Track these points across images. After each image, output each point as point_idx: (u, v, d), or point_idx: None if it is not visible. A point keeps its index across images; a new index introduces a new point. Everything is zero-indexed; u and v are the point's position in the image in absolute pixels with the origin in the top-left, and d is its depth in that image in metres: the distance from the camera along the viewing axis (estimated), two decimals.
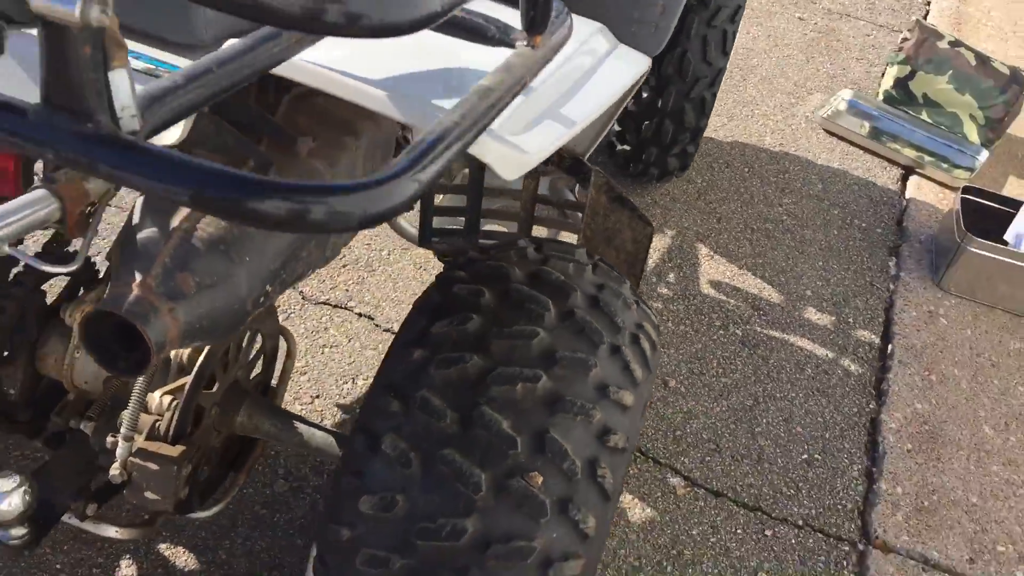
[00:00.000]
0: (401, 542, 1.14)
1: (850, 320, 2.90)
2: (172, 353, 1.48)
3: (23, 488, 1.38)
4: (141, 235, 1.00)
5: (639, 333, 1.34)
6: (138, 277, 0.95)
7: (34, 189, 0.87)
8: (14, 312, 1.49)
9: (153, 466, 1.39)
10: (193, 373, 1.43)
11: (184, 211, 1.02)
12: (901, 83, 3.80)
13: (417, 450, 1.16)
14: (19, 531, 1.41)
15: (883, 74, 3.98)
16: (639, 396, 1.28)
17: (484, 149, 1.12)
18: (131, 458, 1.38)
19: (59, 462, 1.50)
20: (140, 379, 1.38)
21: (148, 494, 1.40)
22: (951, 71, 3.70)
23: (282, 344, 1.75)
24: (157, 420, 1.42)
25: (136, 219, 1.03)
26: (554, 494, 1.15)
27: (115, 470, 1.39)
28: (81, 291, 1.56)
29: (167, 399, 1.43)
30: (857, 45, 4.53)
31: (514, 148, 1.14)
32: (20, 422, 1.61)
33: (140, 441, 1.41)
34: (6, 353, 1.53)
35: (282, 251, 1.18)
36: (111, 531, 1.53)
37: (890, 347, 2.80)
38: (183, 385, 1.43)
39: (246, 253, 1.04)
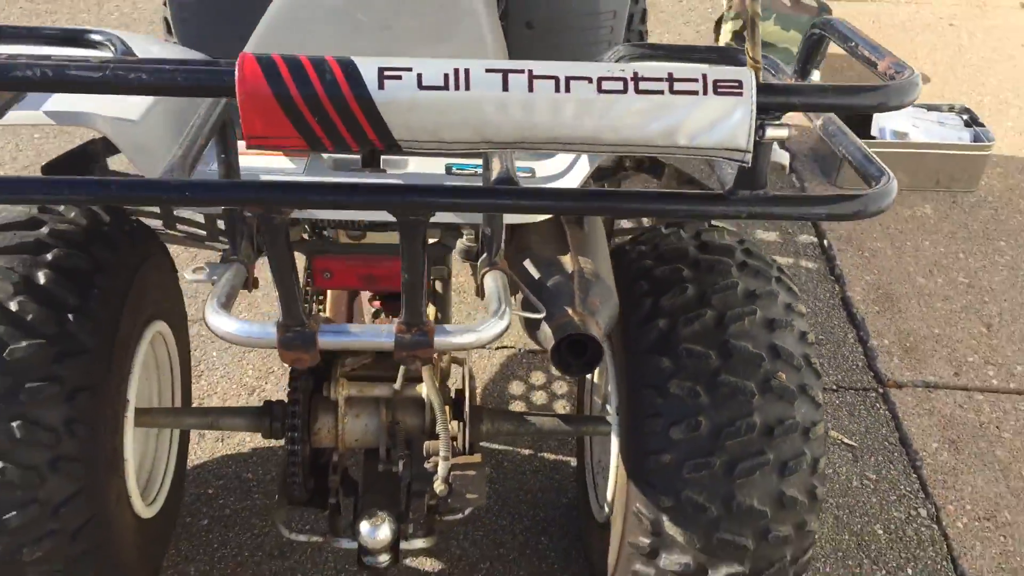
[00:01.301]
0: (714, 444, 1.62)
1: (789, 231, 3.57)
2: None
3: (387, 522, 1.76)
4: (550, 283, 1.42)
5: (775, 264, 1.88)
6: (568, 309, 1.37)
7: None
8: (302, 401, 1.85)
9: (471, 472, 1.79)
10: (467, 397, 1.85)
11: (569, 260, 1.46)
12: (739, 35, 4.53)
13: (698, 383, 1.64)
14: (384, 557, 1.78)
15: (716, 30, 4.70)
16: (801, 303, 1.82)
17: None
18: (452, 472, 1.78)
19: (372, 503, 1.87)
20: (441, 414, 1.78)
21: (469, 496, 1.80)
22: (774, 15, 4.46)
23: None
24: (454, 440, 1.82)
25: (536, 275, 1.45)
26: (794, 383, 1.67)
27: (440, 486, 1.79)
28: (343, 365, 1.92)
29: (454, 424, 1.84)
30: (679, 12, 5.26)
31: None
32: (302, 497, 1.95)
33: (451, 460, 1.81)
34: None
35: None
36: (419, 543, 1.91)
37: (826, 242, 3.49)
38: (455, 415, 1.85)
39: (607, 279, 1.49)
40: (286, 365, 2.64)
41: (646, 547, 1.70)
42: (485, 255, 1.42)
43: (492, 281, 1.38)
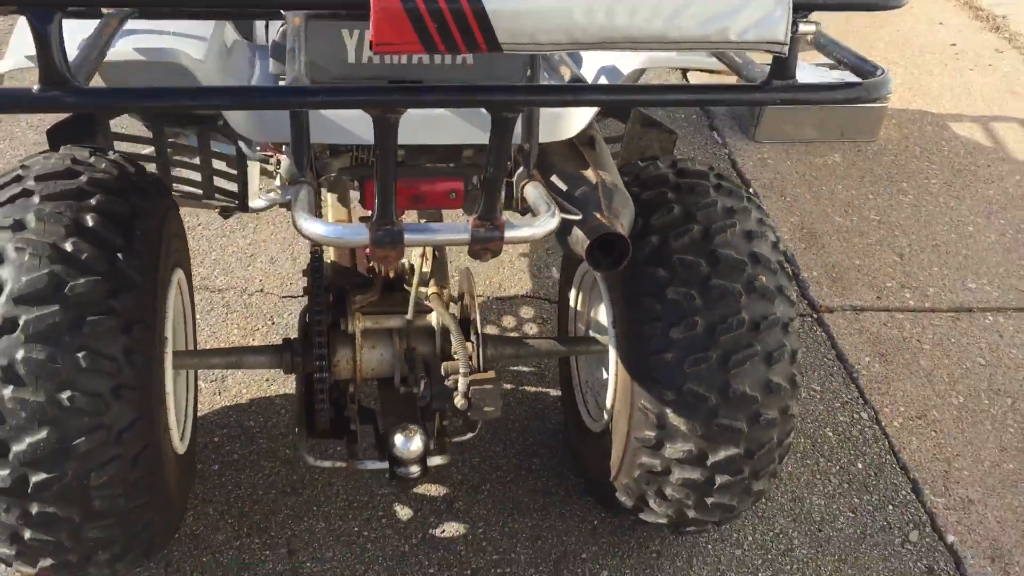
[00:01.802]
0: (709, 341, 1.84)
1: None
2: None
3: (418, 434, 1.91)
4: (578, 193, 1.61)
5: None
6: (597, 214, 1.56)
7: None
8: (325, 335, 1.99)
9: (488, 387, 1.96)
10: (477, 320, 2.02)
11: (591, 173, 1.64)
12: None
13: (692, 288, 1.86)
14: (415, 468, 1.94)
15: None
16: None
17: None
18: (472, 387, 1.95)
19: (392, 422, 2.01)
20: (457, 334, 1.95)
21: (487, 409, 1.97)
22: None
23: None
24: (469, 358, 1.99)
25: (564, 186, 1.63)
26: (772, 284, 1.90)
27: (460, 400, 1.95)
28: (353, 302, 2.05)
29: (469, 345, 2.01)
30: None
31: None
32: (325, 428, 2.08)
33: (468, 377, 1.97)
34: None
35: None
36: (438, 460, 2.07)
37: (751, 190, 3.78)
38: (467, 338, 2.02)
39: (623, 188, 1.69)
40: (272, 321, 2.76)
41: (651, 439, 1.91)
42: (522, 169, 1.60)
43: (533, 189, 1.56)
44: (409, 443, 1.91)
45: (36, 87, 1.12)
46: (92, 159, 1.79)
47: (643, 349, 1.89)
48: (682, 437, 1.88)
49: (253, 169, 2.31)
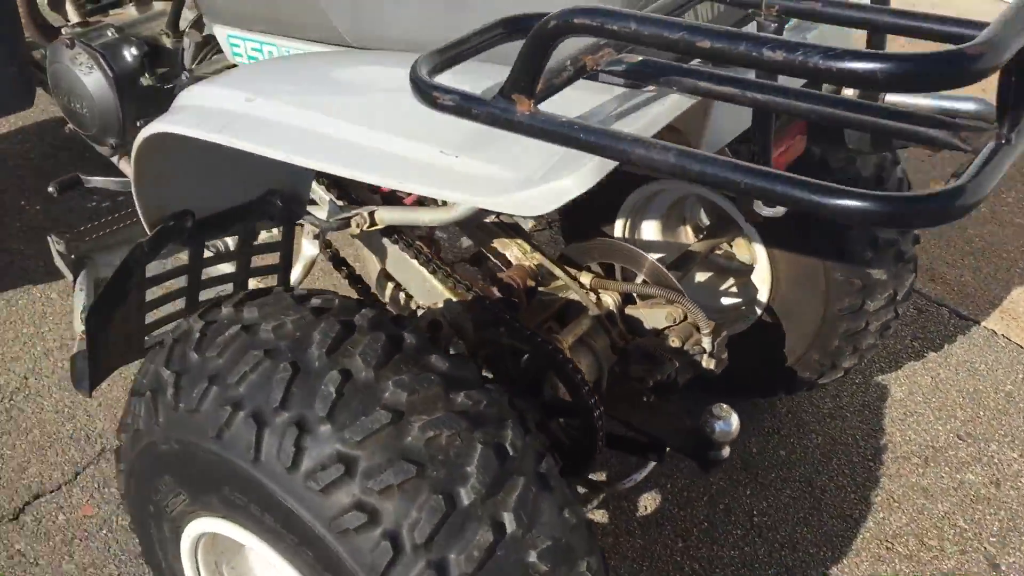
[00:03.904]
0: None
1: None
2: None
3: (732, 411, 1.78)
4: None
5: None
6: None
7: None
8: None
9: (724, 334, 1.89)
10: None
11: None
12: None
13: None
14: (726, 451, 1.80)
15: None
16: None
17: None
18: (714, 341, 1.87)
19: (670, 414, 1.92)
20: (667, 294, 1.89)
21: (724, 357, 1.88)
22: None
23: None
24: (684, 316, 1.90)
25: None
26: None
27: (709, 361, 1.88)
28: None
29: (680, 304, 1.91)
30: None
31: None
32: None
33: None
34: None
35: None
36: None
37: None
38: None
39: None
40: None
41: (855, 304, 2.12)
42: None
43: None
44: (729, 423, 1.77)
45: None
46: None
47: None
48: (880, 286, 2.04)
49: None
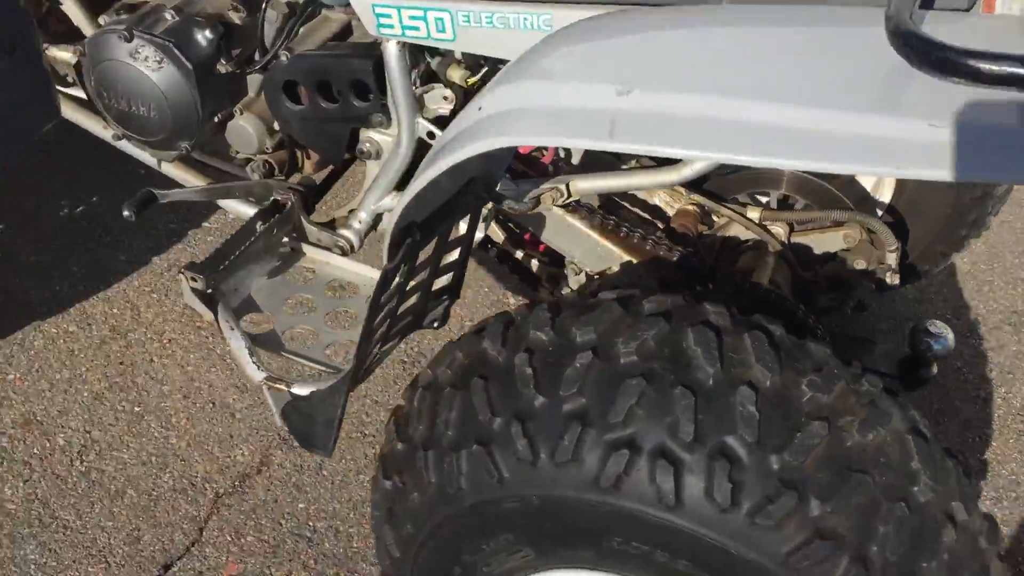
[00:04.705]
0: None
1: None
2: None
3: (950, 331, 1.64)
4: None
5: None
6: None
7: None
8: None
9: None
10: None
11: None
12: None
13: None
14: (934, 368, 1.65)
15: None
16: None
17: None
18: None
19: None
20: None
21: None
22: None
23: None
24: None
25: None
26: None
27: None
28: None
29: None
30: None
31: None
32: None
33: None
34: None
35: None
36: None
37: None
38: None
39: None
40: None
41: None
42: None
43: None
44: (946, 340, 1.63)
45: None
46: None
47: None
48: None
49: None
